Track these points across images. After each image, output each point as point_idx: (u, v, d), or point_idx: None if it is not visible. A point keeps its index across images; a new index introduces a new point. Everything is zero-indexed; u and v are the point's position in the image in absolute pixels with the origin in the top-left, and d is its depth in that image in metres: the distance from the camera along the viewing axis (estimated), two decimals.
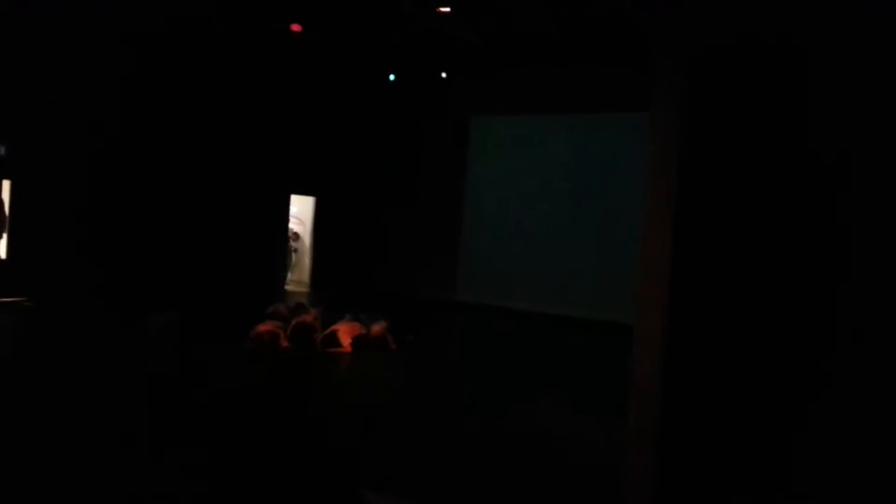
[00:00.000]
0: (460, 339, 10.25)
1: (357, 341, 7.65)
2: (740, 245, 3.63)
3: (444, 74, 12.45)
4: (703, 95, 3.73)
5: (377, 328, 7.95)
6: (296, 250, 13.71)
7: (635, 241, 4.57)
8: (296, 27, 10.15)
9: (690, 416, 3.65)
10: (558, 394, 6.50)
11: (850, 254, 3.37)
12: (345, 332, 7.73)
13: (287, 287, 12.97)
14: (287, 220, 13.01)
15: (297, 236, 13.65)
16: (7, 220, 9.69)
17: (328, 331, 7.70)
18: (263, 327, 7.71)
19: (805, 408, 3.43)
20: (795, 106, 3.55)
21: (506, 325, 11.04)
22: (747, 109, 3.63)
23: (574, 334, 10.33)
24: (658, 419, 3.70)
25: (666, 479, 3.66)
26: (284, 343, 7.56)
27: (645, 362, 3.83)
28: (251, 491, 3.73)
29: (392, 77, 12.54)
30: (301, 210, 13.52)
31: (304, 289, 13.11)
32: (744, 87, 3.64)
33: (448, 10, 9.43)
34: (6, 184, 9.60)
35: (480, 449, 4.72)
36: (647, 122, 4.55)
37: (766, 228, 3.59)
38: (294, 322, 7.79)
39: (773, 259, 3.55)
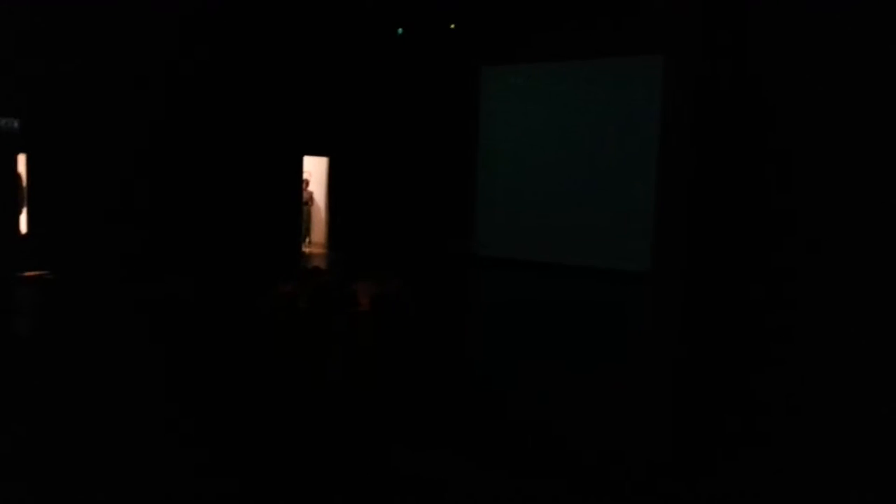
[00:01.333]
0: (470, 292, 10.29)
1: (375, 301, 7.70)
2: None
3: (451, 26, 12.20)
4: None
5: (392, 286, 7.98)
6: (309, 210, 13.73)
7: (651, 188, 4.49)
8: None
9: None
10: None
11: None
12: (362, 292, 7.77)
13: (305, 249, 13.03)
14: (301, 182, 12.99)
15: (311, 196, 13.66)
16: (25, 194, 9.77)
17: (345, 291, 7.75)
18: (282, 289, 7.77)
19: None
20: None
21: (521, 277, 11.03)
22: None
23: (593, 284, 10.31)
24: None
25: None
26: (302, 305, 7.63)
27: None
28: (276, 449, 3.79)
29: (399, 31, 12.34)
30: (313, 169, 13.50)
31: (322, 250, 13.16)
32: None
33: None
34: (22, 158, 9.67)
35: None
36: (662, 64, 4.44)
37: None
38: (312, 284, 7.84)
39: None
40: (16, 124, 9.33)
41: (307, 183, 13.36)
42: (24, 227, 9.73)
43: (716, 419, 3.61)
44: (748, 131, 3.50)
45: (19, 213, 9.72)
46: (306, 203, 13.45)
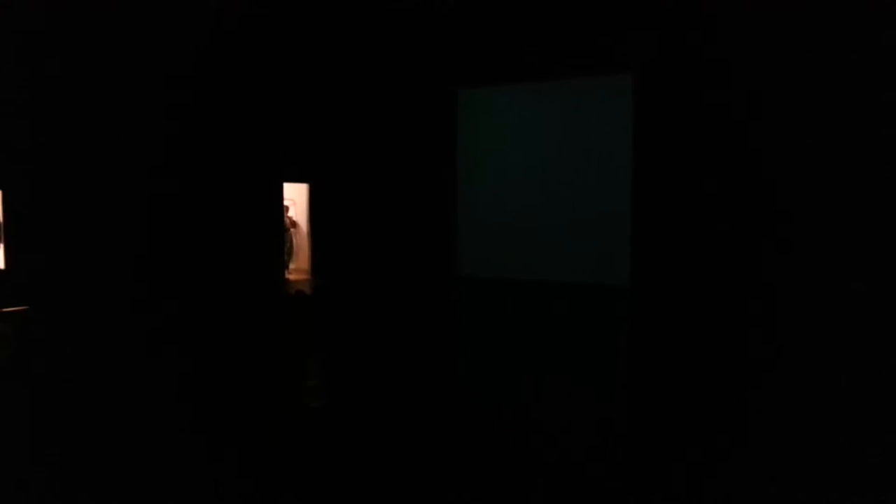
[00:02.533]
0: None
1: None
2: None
3: (426, 48, 12.34)
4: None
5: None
6: (295, 236, 13.70)
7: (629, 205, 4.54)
8: None
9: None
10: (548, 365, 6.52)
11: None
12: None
13: (289, 276, 12.98)
14: (282, 208, 12.99)
15: (294, 223, 13.64)
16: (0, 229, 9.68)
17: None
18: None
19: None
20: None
21: (503, 296, 11.07)
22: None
23: (573, 301, 10.36)
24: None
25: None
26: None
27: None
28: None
29: None
30: (293, 194, 13.51)
31: (305, 276, 13.12)
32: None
33: None
34: None
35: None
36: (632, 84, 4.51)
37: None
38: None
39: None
40: None
41: (287, 209, 13.35)
42: (1, 262, 9.62)
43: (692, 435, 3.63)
44: (720, 140, 3.56)
45: None
46: (287, 229, 13.44)
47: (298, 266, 14.06)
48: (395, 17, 11.18)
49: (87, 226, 9.92)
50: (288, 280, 12.64)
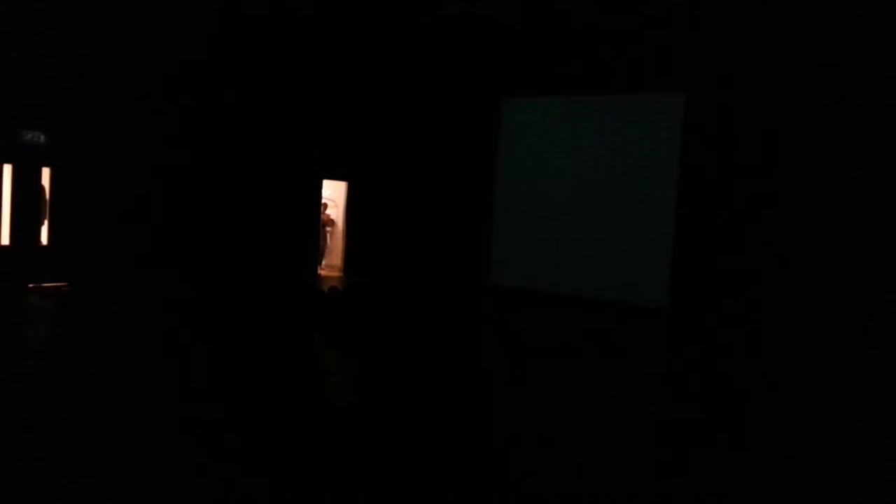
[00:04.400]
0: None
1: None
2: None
3: (473, 56, 12.36)
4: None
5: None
6: (331, 234, 13.81)
7: (670, 223, 4.49)
8: None
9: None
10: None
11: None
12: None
13: (321, 272, 13.08)
14: (319, 206, 13.09)
15: (332, 221, 13.74)
16: (47, 206, 9.91)
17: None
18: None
19: None
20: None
21: (533, 307, 11.00)
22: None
23: (607, 318, 10.27)
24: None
25: None
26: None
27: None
28: None
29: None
30: (334, 193, 13.62)
31: (337, 273, 13.21)
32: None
33: None
34: (46, 171, 9.82)
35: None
36: (681, 103, 4.47)
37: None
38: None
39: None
40: (42, 138, 9.50)
41: (325, 207, 13.45)
42: (44, 238, 9.86)
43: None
44: (764, 166, 3.51)
45: (41, 224, 9.86)
46: (325, 226, 13.54)
47: (331, 262, 14.18)
48: (444, 23, 11.20)
49: (128, 211, 10.12)
50: (320, 276, 12.74)
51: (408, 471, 3.95)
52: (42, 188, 9.86)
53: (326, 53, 11.98)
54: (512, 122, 12.65)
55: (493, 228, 12.63)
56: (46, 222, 9.94)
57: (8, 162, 9.37)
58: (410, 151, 13.36)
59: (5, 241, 9.49)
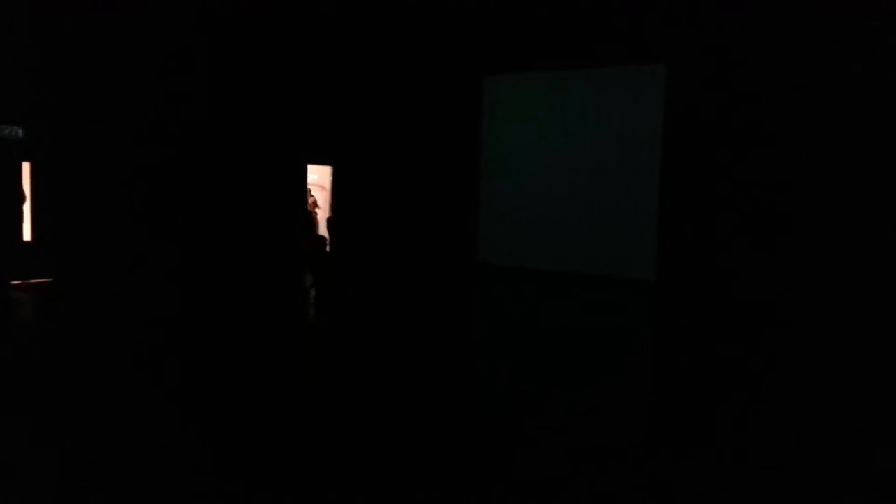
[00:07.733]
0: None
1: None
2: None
3: (453, 35, 12.22)
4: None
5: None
6: (317, 217, 13.74)
7: (655, 197, 4.47)
8: None
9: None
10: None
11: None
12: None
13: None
14: (305, 191, 12.98)
15: (315, 203, 13.67)
16: (25, 199, 9.76)
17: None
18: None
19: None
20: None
21: (523, 284, 11.00)
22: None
23: (594, 293, 10.28)
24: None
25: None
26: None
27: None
28: None
29: None
30: (321, 178, 13.54)
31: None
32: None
33: None
34: (26, 166, 9.67)
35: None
36: (664, 73, 4.42)
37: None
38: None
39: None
40: (20, 133, 9.35)
41: (310, 192, 13.36)
42: (28, 235, 9.73)
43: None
44: (751, 137, 3.48)
45: (21, 220, 9.73)
46: (310, 210, 13.47)
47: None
48: (423, 3, 11.04)
49: (111, 200, 9.98)
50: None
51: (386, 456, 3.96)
52: (21, 183, 9.72)
53: (306, 35, 11.80)
54: (496, 101, 12.57)
55: (480, 206, 12.58)
56: (28, 218, 9.81)
57: None
58: (394, 134, 13.22)
59: None
